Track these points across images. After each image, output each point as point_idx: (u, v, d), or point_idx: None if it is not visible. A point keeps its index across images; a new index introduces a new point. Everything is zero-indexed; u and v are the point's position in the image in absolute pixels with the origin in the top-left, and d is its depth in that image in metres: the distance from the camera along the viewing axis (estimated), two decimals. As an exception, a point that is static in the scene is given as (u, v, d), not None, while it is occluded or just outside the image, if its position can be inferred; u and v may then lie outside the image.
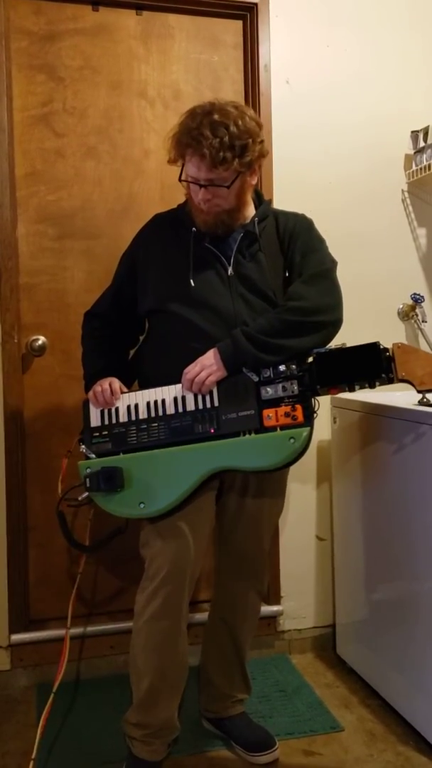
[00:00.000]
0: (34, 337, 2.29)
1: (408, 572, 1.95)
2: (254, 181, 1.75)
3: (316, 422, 2.37)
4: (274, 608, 2.45)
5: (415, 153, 2.49)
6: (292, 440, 1.62)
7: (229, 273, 1.75)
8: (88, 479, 1.71)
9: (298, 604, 2.48)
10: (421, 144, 2.46)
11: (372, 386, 1.67)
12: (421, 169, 2.44)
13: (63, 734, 2.00)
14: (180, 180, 1.71)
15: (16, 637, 2.25)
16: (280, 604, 2.45)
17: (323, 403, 2.33)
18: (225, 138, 1.60)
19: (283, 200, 2.31)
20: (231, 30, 2.42)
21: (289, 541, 2.46)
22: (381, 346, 1.67)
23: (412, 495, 1.92)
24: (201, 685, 2.02)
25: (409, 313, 2.53)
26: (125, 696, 1.80)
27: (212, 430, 1.67)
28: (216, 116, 1.62)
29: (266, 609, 2.42)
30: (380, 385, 1.68)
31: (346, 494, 2.30)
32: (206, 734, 1.99)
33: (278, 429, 1.64)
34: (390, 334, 2.51)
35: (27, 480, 2.30)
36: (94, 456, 1.74)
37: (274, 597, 2.45)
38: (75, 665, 2.30)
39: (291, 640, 2.49)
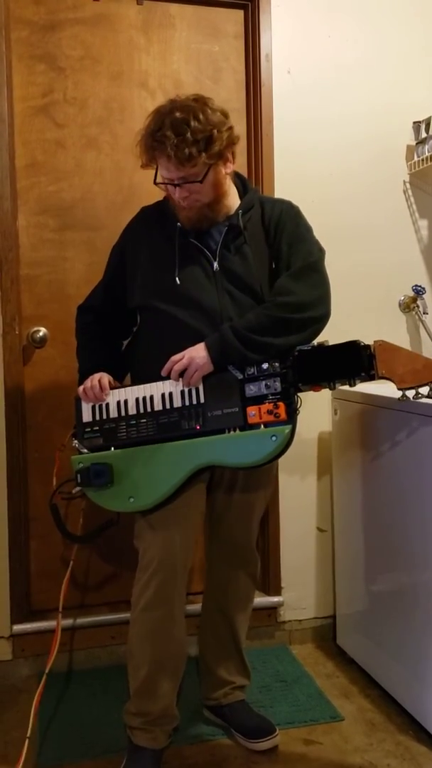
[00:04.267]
0: (35, 329, 2.29)
1: (408, 563, 1.96)
2: (230, 170, 1.74)
3: (318, 413, 2.41)
4: (275, 599, 2.45)
5: (417, 144, 2.48)
6: (274, 438, 1.64)
7: (214, 268, 1.75)
8: (79, 474, 1.75)
9: (298, 594, 2.49)
10: (423, 135, 2.45)
11: (352, 384, 1.68)
12: (422, 160, 2.43)
13: (64, 724, 2.02)
14: (155, 183, 1.72)
15: (18, 627, 2.26)
16: (280, 595, 2.46)
17: (324, 395, 2.34)
18: (187, 134, 1.59)
19: (283, 191, 2.31)
20: (232, 19, 2.41)
21: (290, 532, 2.46)
22: (361, 344, 1.66)
23: (412, 486, 1.93)
24: (201, 674, 2.03)
25: (410, 305, 2.53)
26: (125, 686, 1.81)
27: (198, 427, 1.69)
28: (177, 114, 1.61)
29: (266, 600, 2.44)
30: (361, 382, 1.68)
31: (347, 485, 2.30)
32: (207, 723, 2.00)
33: (261, 426, 1.66)
34: (391, 326, 2.52)
35: (28, 471, 2.30)
36: (86, 450, 1.78)
37: (275, 588, 2.46)
38: (76, 655, 2.32)
39: (291, 630, 2.50)
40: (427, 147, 2.42)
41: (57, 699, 2.15)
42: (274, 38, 2.37)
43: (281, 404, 1.65)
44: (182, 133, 1.59)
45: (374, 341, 1.67)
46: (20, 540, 2.26)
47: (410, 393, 1.68)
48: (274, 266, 1.80)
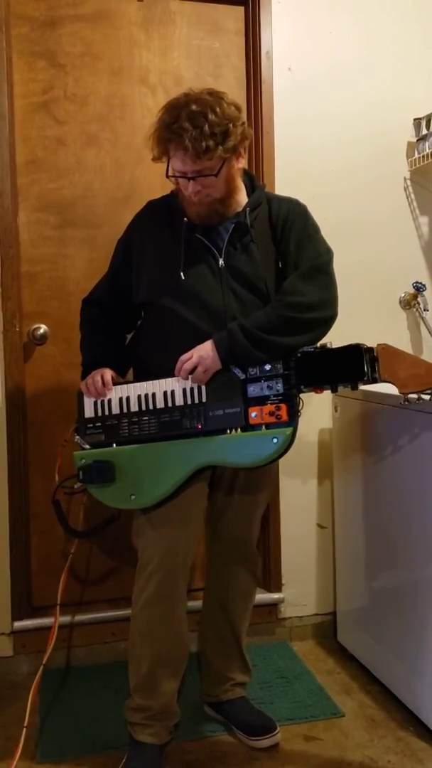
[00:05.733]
0: (36, 326, 2.29)
1: (408, 559, 1.96)
2: (241, 165, 1.74)
3: (318, 410, 2.41)
4: (275, 596, 2.46)
5: (417, 140, 2.48)
6: (275, 439, 1.64)
7: (220, 265, 1.74)
8: (81, 471, 1.75)
9: (299, 591, 2.49)
10: (424, 131, 2.45)
11: (354, 388, 1.67)
12: (423, 156, 2.43)
13: (65, 720, 2.02)
14: (167, 176, 1.70)
15: (19, 624, 2.26)
16: (281, 591, 2.46)
17: (325, 392, 2.33)
18: (205, 127, 1.59)
19: (284, 187, 2.31)
20: (233, 16, 2.40)
21: (290, 529, 2.46)
22: (364, 348, 1.65)
23: (412, 484, 1.93)
24: (201, 670, 2.03)
25: (410, 302, 2.53)
26: (126, 682, 1.82)
27: (199, 426, 1.69)
28: (193, 107, 1.61)
29: (267, 596, 2.44)
30: (363, 385, 1.67)
31: (347, 482, 2.31)
32: (207, 719, 2.00)
33: (263, 427, 1.65)
34: (391, 323, 2.52)
35: (29, 468, 2.31)
36: (88, 446, 1.79)
37: (275, 584, 2.46)
38: (76, 652, 2.32)
39: (292, 627, 2.50)
40: (427, 144, 2.42)
41: (58, 695, 2.15)
42: (275, 35, 2.37)
43: (283, 405, 1.64)
44: (200, 125, 1.59)
45: (377, 344, 1.66)
46: (21, 537, 2.27)
47: (413, 397, 1.67)
48: (280, 265, 1.80)
